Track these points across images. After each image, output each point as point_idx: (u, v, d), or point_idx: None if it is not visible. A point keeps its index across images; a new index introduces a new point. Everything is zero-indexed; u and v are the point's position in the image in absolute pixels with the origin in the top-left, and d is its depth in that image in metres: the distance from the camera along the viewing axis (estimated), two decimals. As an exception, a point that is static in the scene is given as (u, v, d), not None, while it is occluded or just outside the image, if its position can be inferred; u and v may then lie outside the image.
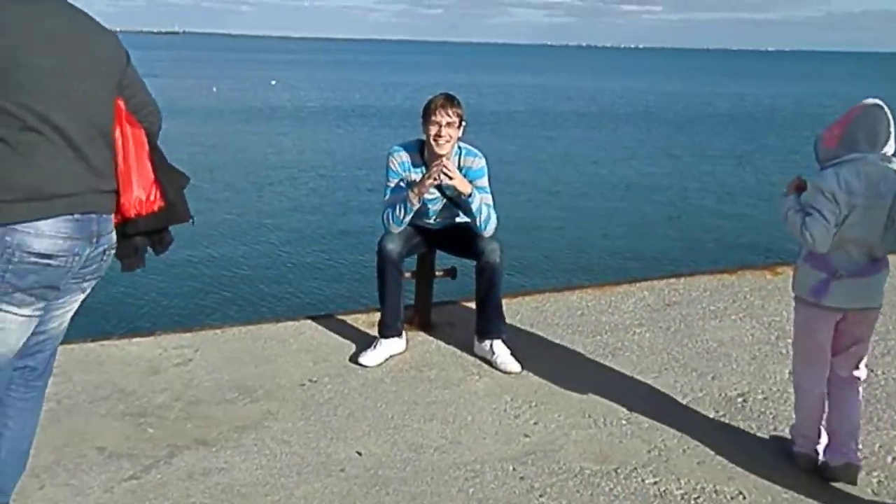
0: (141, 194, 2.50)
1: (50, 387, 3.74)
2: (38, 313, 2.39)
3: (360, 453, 3.40)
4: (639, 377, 4.23)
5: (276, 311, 7.84)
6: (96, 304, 7.90)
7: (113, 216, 2.48)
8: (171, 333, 4.72)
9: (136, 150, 2.50)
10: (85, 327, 6.86)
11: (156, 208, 2.54)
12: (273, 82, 47.36)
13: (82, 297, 2.58)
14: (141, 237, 2.60)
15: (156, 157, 2.58)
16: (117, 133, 2.46)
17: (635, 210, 14.20)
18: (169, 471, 3.22)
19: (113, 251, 2.53)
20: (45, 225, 2.23)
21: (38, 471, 3.11)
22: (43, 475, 3.13)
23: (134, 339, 4.59)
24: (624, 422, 3.72)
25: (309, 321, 4.93)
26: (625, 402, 3.90)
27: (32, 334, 2.45)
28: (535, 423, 3.70)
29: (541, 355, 4.45)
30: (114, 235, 2.50)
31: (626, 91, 50.77)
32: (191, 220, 2.68)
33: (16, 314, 2.31)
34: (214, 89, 40.03)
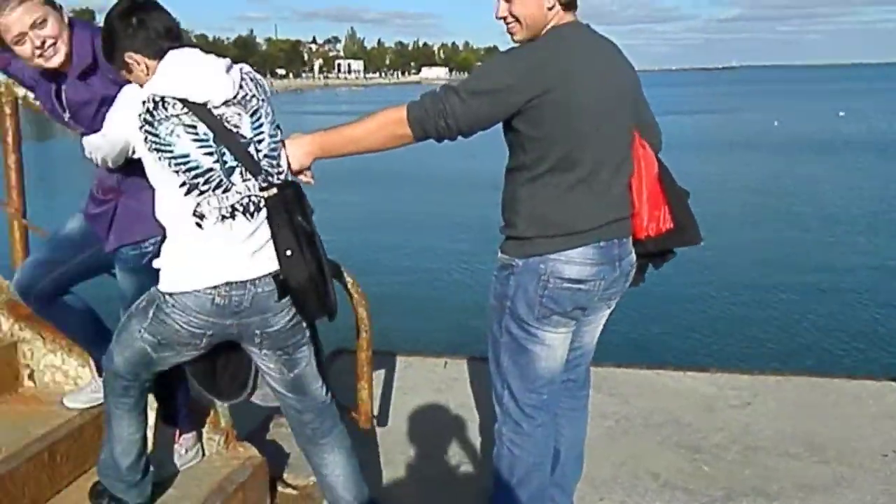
0: (652, 217, 2.52)
1: (609, 406, 3.85)
2: (570, 332, 2.57)
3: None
4: None
5: (844, 364, 7.04)
6: (652, 333, 8.22)
7: (631, 239, 2.54)
8: (728, 373, 4.54)
9: (647, 174, 2.52)
10: (642, 354, 7.18)
11: (664, 229, 2.54)
12: (840, 113, 43.93)
13: (608, 312, 2.66)
14: (647, 257, 2.63)
15: (664, 177, 2.56)
16: (633, 158, 2.50)
17: None
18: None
19: (633, 270, 2.58)
20: (575, 253, 2.39)
21: (597, 483, 3.24)
22: (602, 488, 3.24)
23: (689, 373, 4.51)
24: None
25: (892, 383, 4.24)
26: None
27: (570, 350, 2.62)
28: None
29: None
30: (633, 256, 2.56)
31: None
32: (700, 242, 2.64)
33: (555, 334, 2.50)
34: (776, 123, 38.77)
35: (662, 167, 2.58)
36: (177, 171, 2.20)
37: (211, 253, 2.26)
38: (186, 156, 2.20)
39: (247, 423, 3.44)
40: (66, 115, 2.57)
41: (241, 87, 2.30)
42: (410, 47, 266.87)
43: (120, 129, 2.24)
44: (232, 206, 2.25)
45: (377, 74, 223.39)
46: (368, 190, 18.10)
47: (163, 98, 2.19)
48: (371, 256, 11.33)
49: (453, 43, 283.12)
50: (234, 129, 2.27)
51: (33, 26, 2.37)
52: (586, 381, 2.84)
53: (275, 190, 2.30)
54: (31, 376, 3.12)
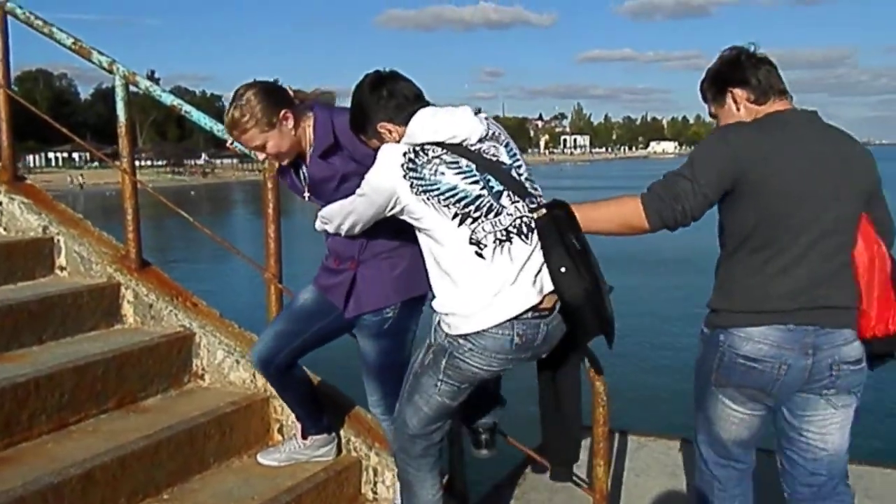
0: (881, 318, 2.41)
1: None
2: (757, 415, 2.52)
3: None
4: None
5: None
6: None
7: (847, 333, 2.41)
8: None
9: (879, 271, 2.42)
10: None
11: (893, 331, 2.43)
12: None
13: (845, 413, 2.50)
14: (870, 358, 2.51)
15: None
16: (861, 251, 2.42)
17: None
18: None
19: (852, 367, 2.44)
20: (755, 331, 2.39)
21: None
22: None
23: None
24: None
25: None
26: None
27: (809, 449, 2.51)
28: None
29: None
30: (849, 351, 2.42)
31: None
32: None
33: (734, 409, 2.51)
34: None
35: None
36: (447, 206, 2.27)
37: (497, 284, 2.29)
38: (454, 188, 2.28)
39: (479, 486, 3.43)
40: (306, 192, 2.74)
41: (488, 126, 2.40)
42: (638, 122, 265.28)
43: (382, 185, 2.32)
44: (506, 230, 2.30)
45: (604, 149, 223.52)
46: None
47: (422, 146, 2.31)
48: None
49: (683, 117, 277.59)
50: (494, 158, 2.35)
51: (256, 149, 2.67)
52: (839, 482, 2.59)
53: (544, 210, 2.34)
54: (279, 430, 3.32)
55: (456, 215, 2.27)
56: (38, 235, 3.85)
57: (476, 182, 2.30)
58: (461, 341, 2.33)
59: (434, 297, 2.44)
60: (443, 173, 2.28)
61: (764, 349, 2.38)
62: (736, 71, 2.49)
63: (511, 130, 2.59)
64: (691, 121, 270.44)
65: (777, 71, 2.49)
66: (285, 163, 2.72)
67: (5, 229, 3.96)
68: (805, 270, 2.37)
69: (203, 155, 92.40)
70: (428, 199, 2.27)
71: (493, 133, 2.40)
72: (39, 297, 3.36)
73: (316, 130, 2.61)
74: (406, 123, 2.36)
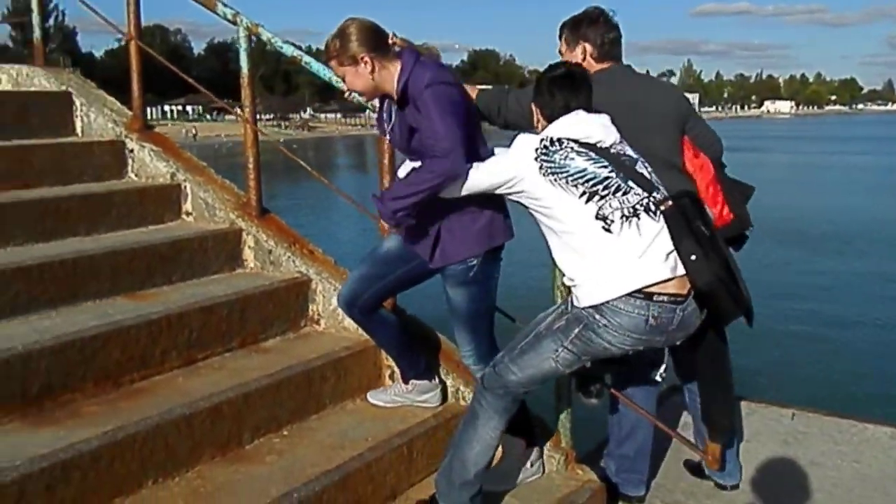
0: (713, 210, 2.98)
1: None
2: None
3: None
4: None
5: None
6: None
7: None
8: None
9: (702, 176, 3.07)
10: None
11: (727, 220, 3.06)
12: None
13: None
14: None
15: (720, 177, 3.14)
16: (688, 165, 3.06)
17: None
18: None
19: None
20: None
21: None
22: None
23: None
24: None
25: None
26: None
27: None
28: None
29: None
30: None
31: None
32: (750, 227, 3.18)
33: None
34: None
35: (719, 170, 3.17)
36: (575, 185, 2.42)
37: (624, 256, 2.39)
38: (583, 170, 2.43)
39: (583, 444, 3.44)
40: (387, 136, 2.89)
41: (619, 135, 2.57)
42: (752, 79, 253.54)
43: (512, 165, 2.52)
44: (633, 207, 2.42)
45: (713, 108, 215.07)
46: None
47: (558, 138, 2.48)
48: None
49: (802, 75, 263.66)
50: (621, 153, 2.51)
51: (340, 79, 2.85)
52: None
53: (670, 202, 2.44)
54: (391, 376, 3.41)
55: (584, 193, 2.41)
56: (167, 182, 4.04)
57: (605, 166, 2.45)
58: (597, 316, 2.43)
59: (563, 273, 2.57)
60: (573, 158, 2.44)
61: None
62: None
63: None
64: (811, 79, 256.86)
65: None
66: (367, 101, 2.99)
67: (136, 175, 4.17)
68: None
69: (308, 109, 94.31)
70: (556, 180, 2.42)
71: (621, 141, 2.57)
72: (170, 241, 3.54)
73: (399, 80, 2.67)
74: (551, 121, 2.56)
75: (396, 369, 3.32)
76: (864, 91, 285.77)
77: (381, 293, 3.03)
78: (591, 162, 2.45)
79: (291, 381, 3.02)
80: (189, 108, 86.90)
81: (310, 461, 2.74)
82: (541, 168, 2.44)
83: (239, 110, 3.86)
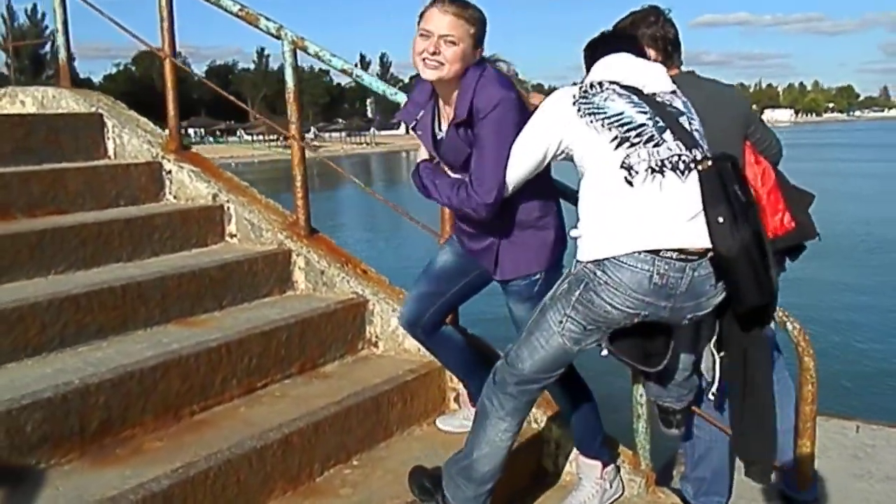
0: (775, 219, 2.99)
1: None
2: None
3: None
4: None
5: None
6: None
7: None
8: None
9: (764, 181, 3.03)
10: None
11: (789, 229, 3.03)
12: None
13: None
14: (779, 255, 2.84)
15: (782, 183, 3.09)
16: (748, 171, 2.94)
17: None
18: None
19: None
20: None
21: None
22: None
23: None
24: None
25: None
26: None
27: None
28: None
29: None
30: None
31: None
32: (817, 237, 3.15)
33: None
34: None
35: (779, 175, 3.13)
36: (609, 128, 2.25)
37: (639, 212, 2.22)
38: (620, 113, 2.27)
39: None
40: (436, 155, 2.63)
41: (676, 89, 2.42)
42: (752, 88, 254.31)
43: (550, 116, 2.35)
44: (661, 161, 2.23)
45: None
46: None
47: (599, 82, 2.34)
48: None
49: (800, 83, 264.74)
50: (667, 103, 2.34)
51: (443, 37, 2.40)
52: None
53: (710, 162, 2.24)
54: (455, 399, 3.26)
55: (615, 138, 2.24)
56: (209, 203, 3.91)
57: (644, 113, 2.28)
58: (598, 272, 2.25)
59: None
60: (613, 101, 2.29)
61: None
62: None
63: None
64: (809, 87, 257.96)
65: None
66: (425, 76, 2.47)
67: (174, 197, 4.04)
68: None
69: (312, 129, 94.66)
70: (592, 120, 2.27)
71: (674, 92, 2.40)
72: (219, 264, 3.40)
73: (460, 100, 2.44)
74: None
75: (462, 392, 3.18)
76: (861, 98, 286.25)
77: (444, 310, 2.91)
78: (632, 105, 2.28)
79: (360, 407, 2.87)
80: (191, 130, 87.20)
81: (387, 493, 2.59)
82: (579, 110, 2.29)
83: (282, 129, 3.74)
